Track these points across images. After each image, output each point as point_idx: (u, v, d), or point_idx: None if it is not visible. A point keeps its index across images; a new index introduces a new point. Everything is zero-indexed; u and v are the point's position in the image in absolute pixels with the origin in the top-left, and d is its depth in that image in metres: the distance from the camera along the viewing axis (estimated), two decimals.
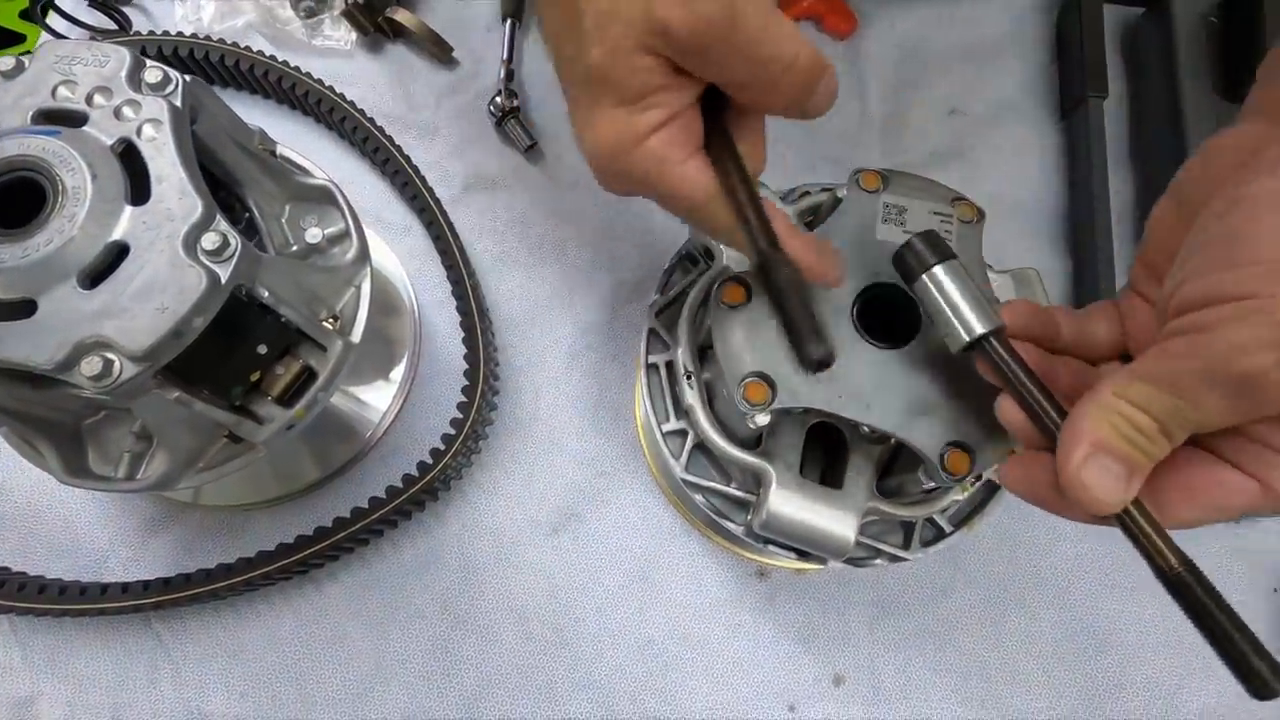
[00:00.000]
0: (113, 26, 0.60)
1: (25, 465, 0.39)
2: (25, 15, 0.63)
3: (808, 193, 0.44)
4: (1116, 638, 0.51)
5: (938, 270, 0.31)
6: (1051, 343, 0.32)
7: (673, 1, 0.28)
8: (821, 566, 0.47)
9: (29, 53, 0.52)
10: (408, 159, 0.56)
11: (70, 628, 0.48)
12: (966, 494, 0.41)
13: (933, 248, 0.31)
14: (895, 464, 0.39)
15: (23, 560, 0.49)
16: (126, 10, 0.60)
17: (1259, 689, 0.25)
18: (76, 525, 0.50)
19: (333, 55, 0.60)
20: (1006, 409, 0.30)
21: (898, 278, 0.37)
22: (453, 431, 0.49)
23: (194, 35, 0.57)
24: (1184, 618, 0.53)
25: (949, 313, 0.30)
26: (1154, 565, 0.26)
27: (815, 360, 0.29)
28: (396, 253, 0.57)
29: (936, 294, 0.31)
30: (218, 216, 0.34)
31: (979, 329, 0.30)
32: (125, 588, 0.46)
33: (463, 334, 0.52)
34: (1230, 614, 0.25)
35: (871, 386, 0.35)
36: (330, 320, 0.43)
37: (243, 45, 0.57)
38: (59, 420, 0.40)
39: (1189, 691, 0.50)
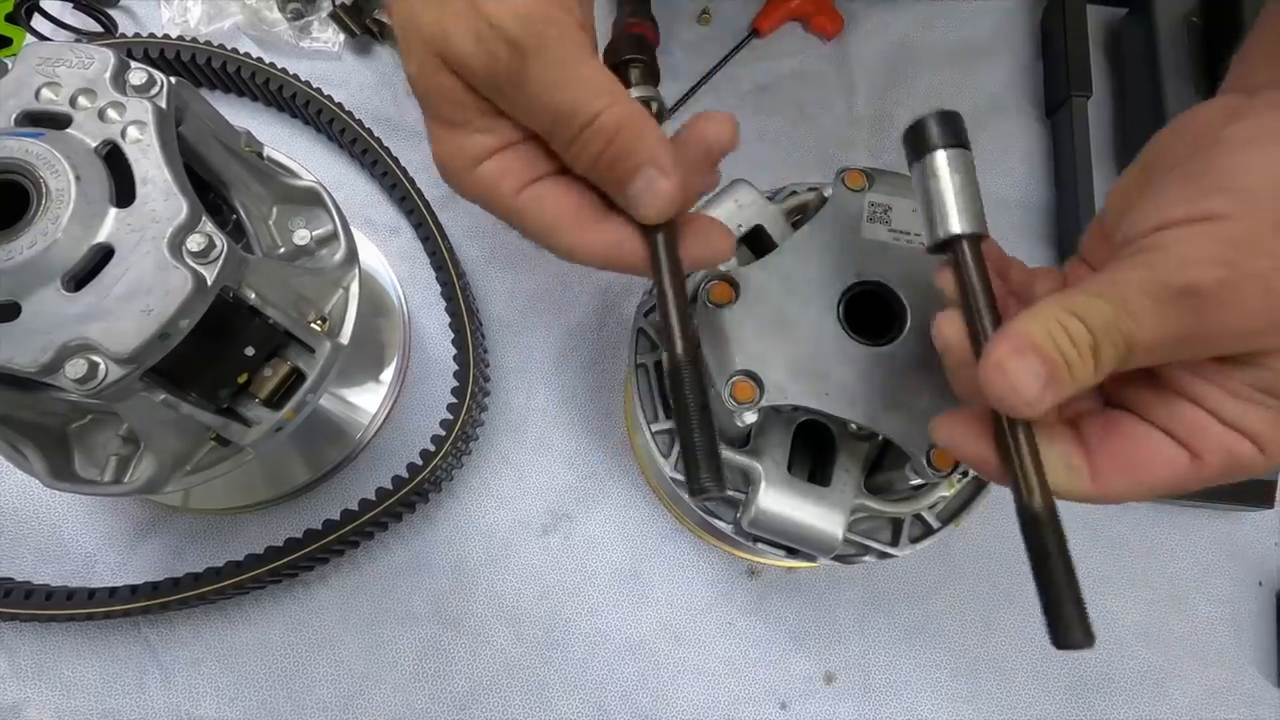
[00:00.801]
0: (98, 29, 0.59)
1: (10, 470, 0.39)
2: (10, 19, 0.62)
3: (795, 192, 0.44)
4: (1104, 633, 0.50)
5: (940, 155, 0.27)
6: (1000, 286, 0.31)
7: (466, 31, 0.25)
8: (812, 564, 0.47)
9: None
10: (396, 161, 0.56)
11: (58, 633, 0.48)
12: (954, 490, 0.41)
13: (946, 128, 0.28)
14: (883, 461, 0.40)
15: (9, 566, 0.49)
16: (112, 13, 0.60)
17: (1062, 637, 0.25)
18: (63, 530, 0.50)
19: (320, 57, 0.60)
20: (944, 326, 0.28)
21: (883, 276, 0.37)
22: (443, 433, 0.49)
23: (180, 38, 0.57)
24: (1170, 612, 0.53)
25: (937, 201, 0.27)
26: (1020, 498, 0.25)
27: (698, 491, 0.27)
28: (385, 254, 0.57)
29: (932, 179, 0.27)
30: (203, 218, 0.34)
31: (958, 227, 0.27)
32: (113, 592, 0.46)
33: (452, 335, 0.52)
34: (1069, 566, 0.25)
35: (857, 384, 0.35)
36: (318, 322, 0.43)
37: (230, 48, 0.57)
38: (44, 424, 0.40)
39: (1175, 685, 0.51)
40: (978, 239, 0.28)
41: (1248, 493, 0.52)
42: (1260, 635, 0.52)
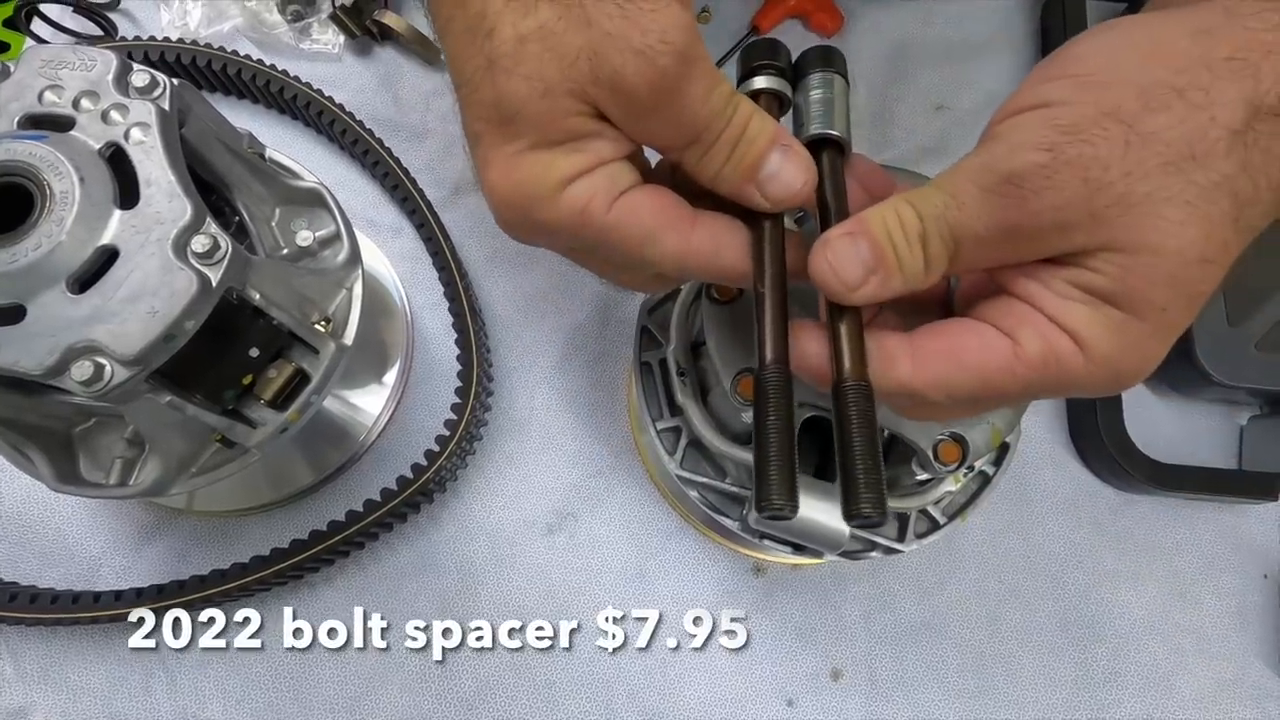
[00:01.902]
0: (98, 32, 0.59)
1: (15, 474, 0.39)
2: (9, 24, 0.62)
3: None
4: (1110, 627, 0.52)
5: (813, 77, 0.30)
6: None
7: (624, 50, 0.24)
8: (818, 561, 0.47)
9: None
10: (398, 161, 0.56)
11: (63, 637, 0.48)
12: (959, 485, 0.41)
13: (822, 60, 0.30)
14: (888, 457, 0.40)
15: (14, 570, 0.49)
16: (112, 16, 0.60)
17: (851, 507, 0.24)
18: (68, 534, 0.50)
19: (321, 59, 0.60)
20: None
21: None
22: (447, 433, 0.49)
23: (180, 40, 0.57)
24: (1176, 606, 0.53)
25: (805, 112, 0.30)
26: (837, 374, 0.26)
27: (769, 510, 0.25)
28: (388, 255, 0.57)
29: (801, 94, 0.30)
30: (207, 219, 0.34)
31: (816, 129, 0.29)
32: (118, 595, 0.46)
33: (455, 335, 0.52)
34: (873, 441, 0.24)
35: None
36: (322, 323, 0.42)
37: (230, 50, 0.57)
38: (50, 427, 0.40)
39: (1182, 679, 0.51)
40: (839, 145, 0.30)
41: (1252, 485, 0.52)
42: (1266, 628, 0.52)
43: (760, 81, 0.30)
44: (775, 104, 0.30)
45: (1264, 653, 0.52)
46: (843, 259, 0.25)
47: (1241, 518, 0.54)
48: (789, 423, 0.26)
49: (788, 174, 0.27)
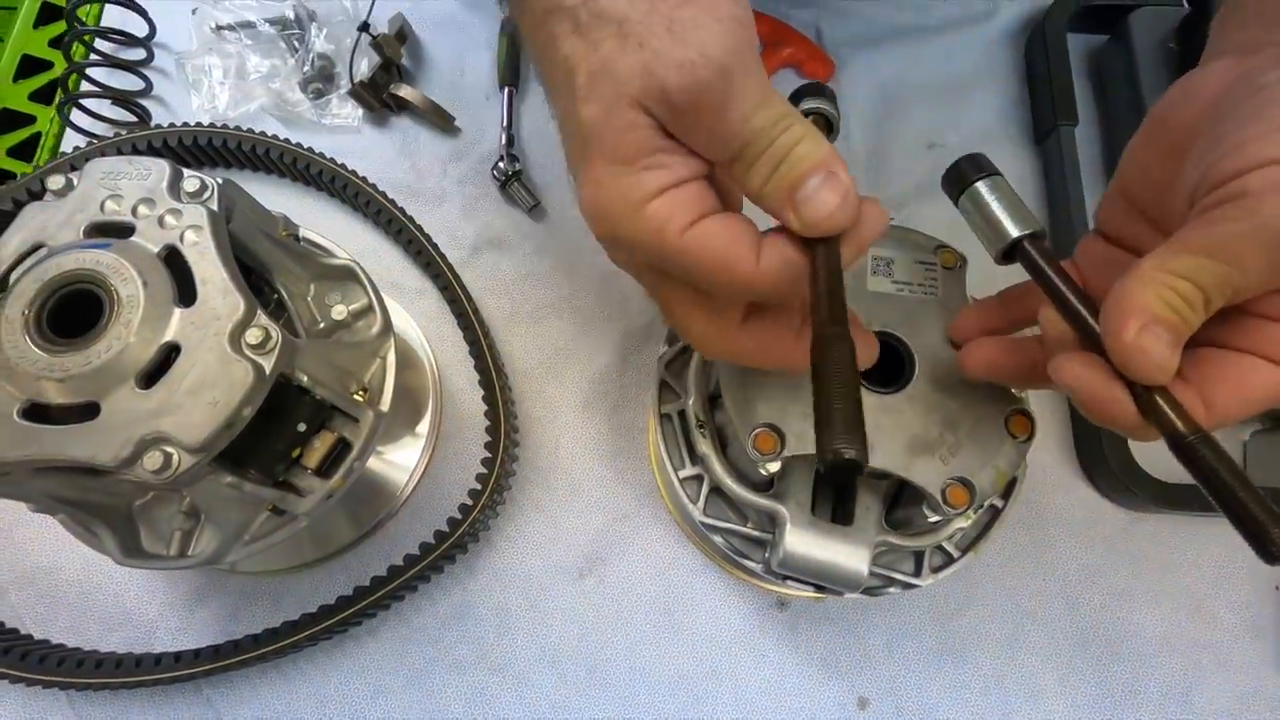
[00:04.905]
0: (133, 119, 0.63)
1: (72, 545, 0.42)
2: (33, 98, 0.66)
3: None
4: (1128, 645, 0.53)
5: (980, 185, 0.33)
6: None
7: (669, 65, 0.27)
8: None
9: (63, 154, 0.56)
10: (418, 226, 0.59)
11: (125, 698, 0.50)
12: (970, 521, 0.43)
13: (975, 167, 0.33)
14: (901, 498, 0.42)
15: (78, 636, 0.51)
16: (145, 103, 0.64)
17: (1268, 548, 0.25)
18: (125, 599, 0.52)
19: (342, 132, 0.64)
20: (1047, 318, 0.30)
21: (889, 326, 0.40)
22: (478, 485, 0.51)
23: (211, 124, 0.60)
24: (1192, 621, 0.55)
25: (990, 220, 0.32)
26: (1170, 434, 0.27)
27: (836, 459, 0.23)
28: (413, 315, 0.60)
29: (980, 205, 0.33)
30: (259, 312, 0.37)
31: (1016, 231, 0.31)
32: (178, 657, 0.49)
33: (481, 390, 0.55)
34: (1242, 477, 0.25)
35: (873, 430, 0.37)
36: (360, 392, 0.45)
37: (257, 130, 0.60)
38: (112, 504, 0.43)
39: (1201, 694, 0.52)
40: (1037, 236, 0.32)
41: None
42: (1277, 640, 0.53)
43: (809, 104, 0.34)
44: (824, 125, 0.33)
45: None
46: (1159, 352, 0.26)
47: None
48: (851, 373, 0.25)
49: (823, 197, 0.28)
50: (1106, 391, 0.28)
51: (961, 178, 0.33)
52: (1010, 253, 0.32)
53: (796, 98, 0.35)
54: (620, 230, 0.29)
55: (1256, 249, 0.25)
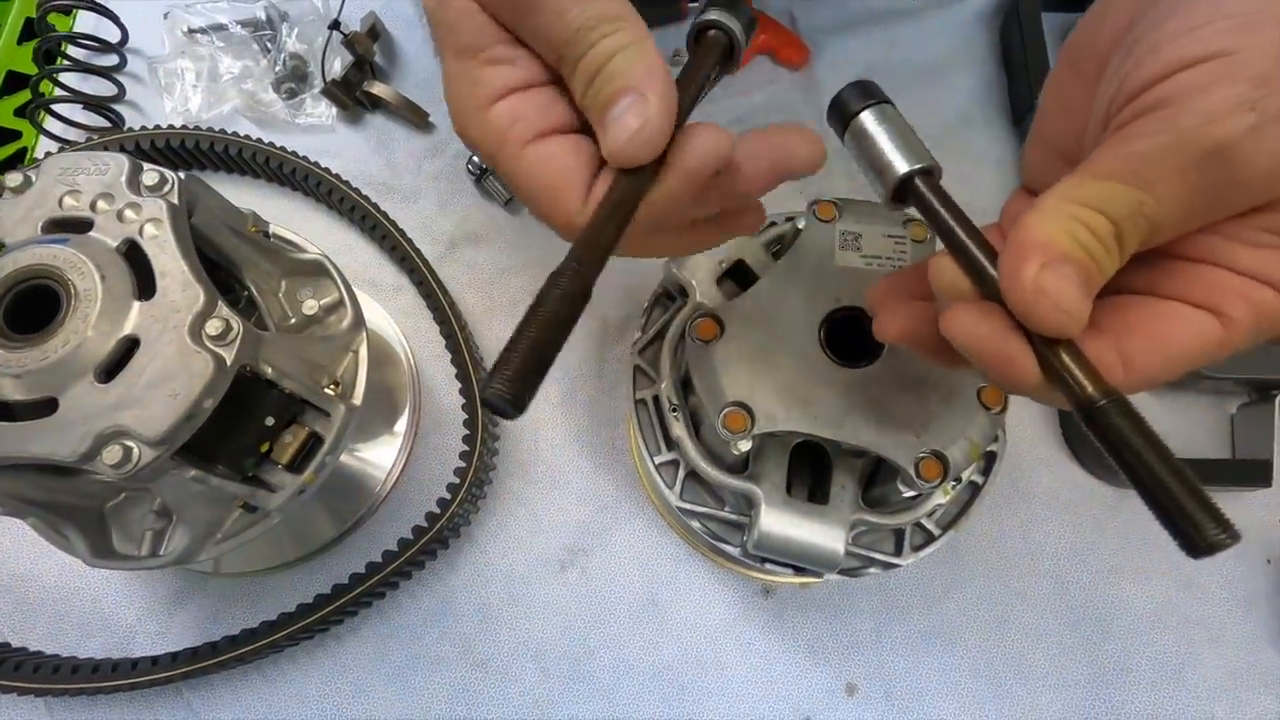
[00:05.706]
0: (107, 124, 0.63)
1: (49, 552, 0.41)
2: (19, 113, 0.66)
3: (773, 223, 0.46)
4: (1118, 622, 0.53)
5: (866, 115, 0.27)
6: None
7: None
8: (821, 579, 0.49)
9: (36, 161, 0.55)
10: (394, 223, 0.59)
11: (104, 704, 0.50)
12: (949, 497, 0.42)
13: (863, 93, 0.28)
14: (877, 476, 0.41)
15: (55, 642, 0.51)
16: (119, 107, 0.64)
17: (1194, 542, 0.21)
18: (103, 604, 0.52)
19: (316, 131, 0.63)
20: (938, 266, 0.25)
21: (858, 301, 0.39)
22: (457, 480, 0.51)
23: (184, 126, 0.60)
24: (1183, 597, 0.54)
25: (876, 155, 0.27)
26: (1076, 398, 0.22)
27: (487, 401, 0.22)
28: (390, 311, 0.59)
29: (864, 138, 0.27)
30: (219, 303, 0.36)
31: (904, 167, 0.26)
32: (155, 661, 0.48)
33: (459, 384, 0.55)
34: (1165, 452, 0.21)
35: (843, 405, 0.37)
36: (331, 386, 0.45)
37: (230, 131, 0.60)
38: (83, 505, 0.42)
39: (1194, 670, 0.52)
40: (928, 171, 0.27)
41: (1246, 473, 0.53)
42: (1273, 614, 0.53)
43: (707, 16, 0.28)
44: (724, 44, 0.28)
45: (1273, 638, 0.52)
46: (1064, 294, 0.21)
47: (1239, 505, 0.55)
48: (557, 318, 0.23)
49: (625, 121, 0.24)
50: (1003, 345, 0.23)
51: (845, 108, 0.28)
52: (901, 192, 0.27)
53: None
54: (469, 131, 0.27)
55: (1174, 169, 0.21)
